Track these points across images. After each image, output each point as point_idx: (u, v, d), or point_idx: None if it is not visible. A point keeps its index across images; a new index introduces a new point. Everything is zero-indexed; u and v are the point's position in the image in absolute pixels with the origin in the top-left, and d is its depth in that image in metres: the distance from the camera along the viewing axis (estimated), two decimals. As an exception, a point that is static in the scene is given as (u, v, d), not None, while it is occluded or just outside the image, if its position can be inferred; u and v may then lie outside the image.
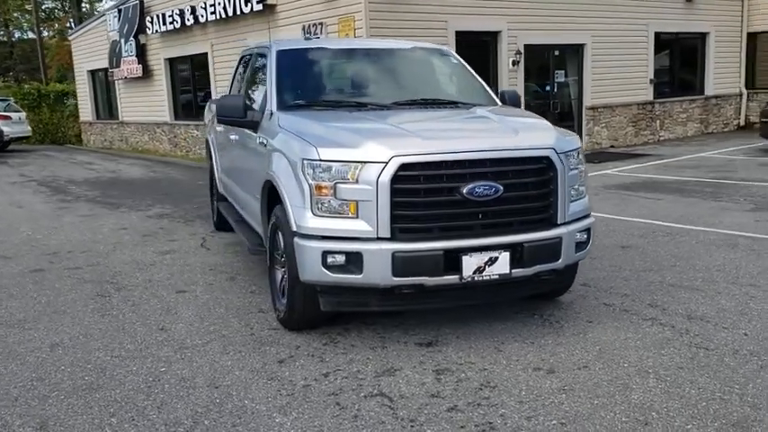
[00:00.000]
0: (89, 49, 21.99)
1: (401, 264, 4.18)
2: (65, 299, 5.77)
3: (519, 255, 4.36)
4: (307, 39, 6.24)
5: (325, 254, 4.27)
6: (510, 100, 5.99)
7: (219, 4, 15.17)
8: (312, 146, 4.36)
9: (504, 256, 4.31)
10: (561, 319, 4.93)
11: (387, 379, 4.02)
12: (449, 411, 3.60)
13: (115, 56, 19.75)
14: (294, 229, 4.42)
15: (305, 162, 4.37)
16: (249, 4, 14.28)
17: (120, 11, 19.15)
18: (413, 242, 4.21)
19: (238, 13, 14.70)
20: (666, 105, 17.35)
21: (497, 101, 5.84)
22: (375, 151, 4.20)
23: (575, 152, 4.67)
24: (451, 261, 4.23)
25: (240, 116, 5.45)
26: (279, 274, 5.10)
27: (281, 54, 5.78)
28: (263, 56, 6.09)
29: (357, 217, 4.24)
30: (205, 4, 15.63)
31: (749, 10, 18.63)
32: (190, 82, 17.95)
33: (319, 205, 4.31)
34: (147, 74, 18.81)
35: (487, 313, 5.02)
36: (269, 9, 14.07)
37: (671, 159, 13.77)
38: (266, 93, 5.56)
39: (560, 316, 5.00)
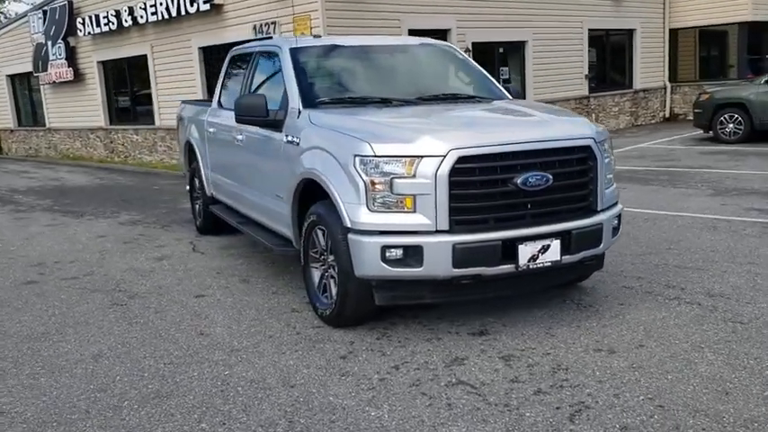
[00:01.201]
0: (9, 53, 20.94)
1: (462, 255, 4.26)
2: (80, 309, 5.56)
3: (567, 242, 4.51)
4: (316, 36, 6.14)
5: (385, 248, 4.31)
6: (515, 94, 6.17)
7: (161, 4, 14.77)
8: (365, 142, 4.38)
9: (556, 244, 4.47)
10: (593, 304, 5.12)
11: (458, 368, 4.10)
12: (536, 395, 3.72)
13: (41, 59, 18.90)
14: (348, 225, 4.43)
15: (357, 158, 4.38)
16: (195, 4, 13.98)
17: (45, 12, 18.34)
18: (470, 233, 4.29)
19: (183, 13, 14.36)
20: (600, 99, 18.07)
21: (508, 95, 5.99)
22: (432, 145, 4.26)
23: (607, 141, 4.88)
24: (508, 250, 4.35)
25: (262, 115, 5.40)
26: (315, 273, 5.10)
27: (295, 52, 5.75)
28: (272, 54, 6.03)
29: (414, 211, 4.30)
30: (145, 4, 15.19)
31: (670, 7, 19.61)
32: (127, 85, 17.39)
33: (375, 201, 4.34)
34: (78, 78, 18.10)
35: (521, 303, 5.16)
36: (216, 9, 13.83)
37: (614, 150, 14.33)
38: (285, 91, 5.52)
39: (590, 301, 5.20)
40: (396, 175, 4.29)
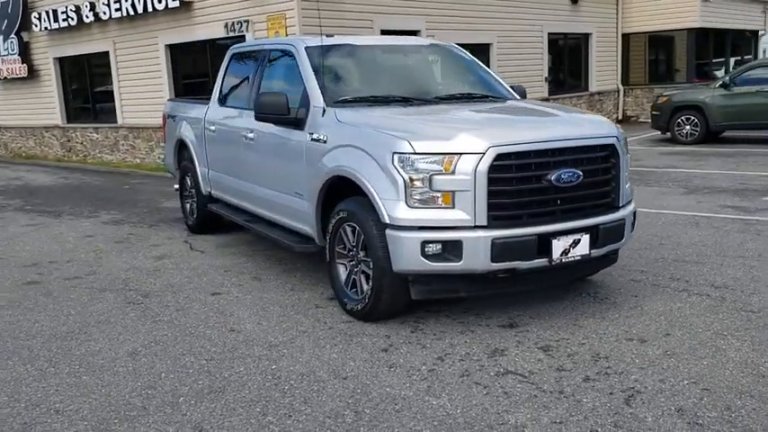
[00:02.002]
0: (-46, 48, 20.15)
1: (500, 249, 4.40)
2: (95, 309, 5.49)
3: (596, 236, 4.71)
4: (328, 36, 6.19)
5: (425, 243, 4.42)
6: (520, 94, 6.35)
7: (126, 0, 14.50)
8: (404, 139, 4.48)
9: (585, 239, 4.66)
10: (609, 296, 5.33)
11: (502, 359, 4.24)
12: (585, 382, 3.88)
13: (-9, 55, 18.28)
14: (387, 221, 4.52)
15: (396, 155, 4.48)
16: (164, 1, 13.77)
17: (-5, 6, 17.76)
18: (507, 228, 4.44)
19: (149, 9, 14.12)
20: (559, 101, 18.51)
21: (516, 94, 6.17)
22: (471, 143, 4.39)
23: (625, 140, 5.09)
24: (542, 245, 4.51)
25: (283, 113, 5.44)
26: (342, 269, 5.16)
27: (312, 50, 5.79)
28: (286, 53, 6.06)
29: (453, 207, 4.42)
30: (108, 0, 14.87)
31: (623, 13, 20.27)
32: (86, 83, 16.98)
33: (414, 197, 4.45)
34: (32, 74, 17.57)
35: (541, 296, 5.31)
36: (185, 6, 13.65)
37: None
38: (305, 90, 5.56)
39: (605, 293, 5.41)
40: (435, 171, 4.41)
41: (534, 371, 4.05)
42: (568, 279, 5.24)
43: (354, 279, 5.03)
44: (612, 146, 4.82)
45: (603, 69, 19.88)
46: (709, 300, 5.16)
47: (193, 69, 14.67)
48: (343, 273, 5.17)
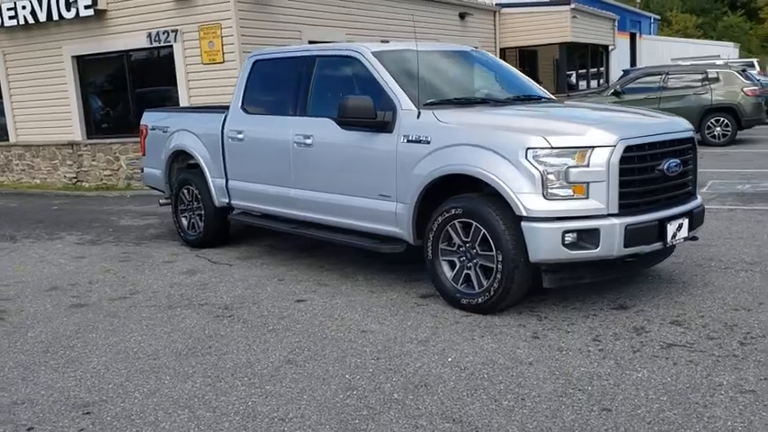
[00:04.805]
0: None
1: (631, 235, 4.78)
2: (186, 325, 5.22)
3: (690, 221, 5.22)
4: (384, 41, 6.28)
5: (565, 233, 4.70)
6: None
7: (24, 7, 13.43)
8: (539, 136, 4.75)
9: (685, 223, 5.15)
10: (674, 277, 5.85)
11: (649, 335, 4.59)
12: (744, 345, 4.33)
13: None
14: (523, 213, 4.75)
15: (530, 151, 4.73)
16: (74, 9, 12.92)
17: None
18: (634, 216, 4.83)
19: (54, 18, 13.20)
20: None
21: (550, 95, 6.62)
22: (603, 136, 4.75)
23: None
24: (660, 229, 4.94)
25: (371, 117, 5.50)
26: (446, 266, 5.30)
27: (381, 56, 5.89)
28: (347, 58, 6.08)
29: (587, 197, 4.74)
30: (0, 6, 13.70)
31: (500, 29, 21.61)
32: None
33: (550, 189, 4.72)
34: None
35: (607, 283, 5.63)
36: (99, 15, 12.92)
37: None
38: (385, 94, 5.62)
39: (668, 274, 5.91)
40: (570, 164, 4.70)
41: (691, 341, 4.44)
42: (653, 263, 5.69)
43: (468, 274, 5.18)
44: (693, 139, 5.37)
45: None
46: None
47: (107, 82, 13.85)
48: (448, 270, 5.30)
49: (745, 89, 15.02)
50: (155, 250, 7.81)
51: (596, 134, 4.76)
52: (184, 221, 7.91)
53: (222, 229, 7.65)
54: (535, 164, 4.72)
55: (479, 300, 5.09)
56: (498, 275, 4.95)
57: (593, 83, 24.78)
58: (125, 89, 13.44)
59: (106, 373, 4.35)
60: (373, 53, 5.91)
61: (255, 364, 4.40)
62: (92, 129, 14.06)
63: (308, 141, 6.18)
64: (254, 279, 6.39)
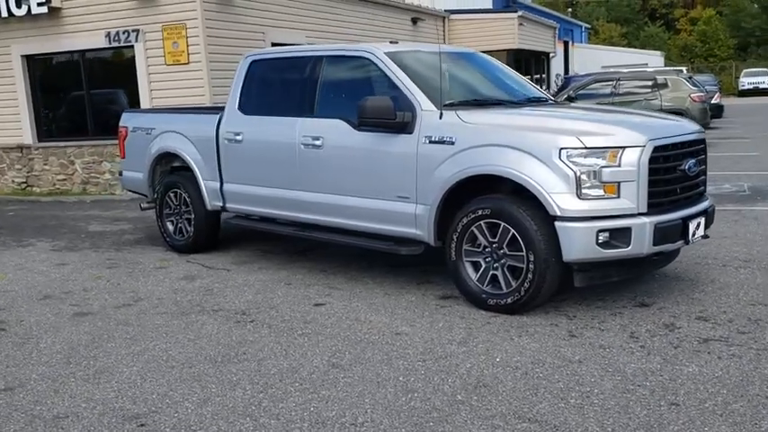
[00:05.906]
0: None
1: (660, 233, 4.88)
2: (207, 332, 5.04)
3: (706, 219, 5.37)
4: (393, 42, 6.23)
5: (599, 232, 4.76)
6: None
7: (-32, 4, 12.78)
8: (572, 136, 4.81)
9: (702, 221, 5.30)
10: (685, 274, 5.98)
11: (681, 330, 4.70)
12: (776, 338, 4.49)
13: None
14: (557, 213, 4.79)
15: (563, 151, 4.78)
16: (25, 6, 12.36)
17: None
18: (661, 214, 4.94)
19: (4, 15, 12.60)
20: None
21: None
22: (633, 137, 4.84)
23: None
24: (683, 228, 5.07)
25: (390, 117, 5.45)
26: (470, 267, 5.29)
27: (395, 56, 5.85)
28: (358, 59, 6.01)
29: (618, 196, 4.82)
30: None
31: (449, 35, 21.82)
32: None
33: (583, 189, 4.77)
34: None
35: (621, 283, 5.75)
36: (52, 12, 12.41)
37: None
38: (402, 94, 5.58)
39: (679, 272, 6.02)
40: (602, 164, 4.77)
41: (723, 336, 4.56)
42: (669, 262, 5.82)
43: (494, 275, 5.19)
44: (705, 140, 5.53)
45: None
46: None
47: (61, 83, 13.28)
48: (473, 271, 5.29)
49: (692, 95, 15.62)
50: (140, 256, 7.53)
51: (627, 135, 4.85)
52: (170, 226, 7.64)
53: (213, 234, 7.45)
54: (569, 164, 4.76)
55: (508, 300, 5.10)
56: (530, 275, 4.97)
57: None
58: (80, 90, 12.93)
59: (144, 383, 4.16)
60: (386, 54, 5.87)
61: (300, 369, 4.29)
62: (43, 132, 13.46)
63: (317, 143, 6.07)
64: (260, 284, 6.23)
